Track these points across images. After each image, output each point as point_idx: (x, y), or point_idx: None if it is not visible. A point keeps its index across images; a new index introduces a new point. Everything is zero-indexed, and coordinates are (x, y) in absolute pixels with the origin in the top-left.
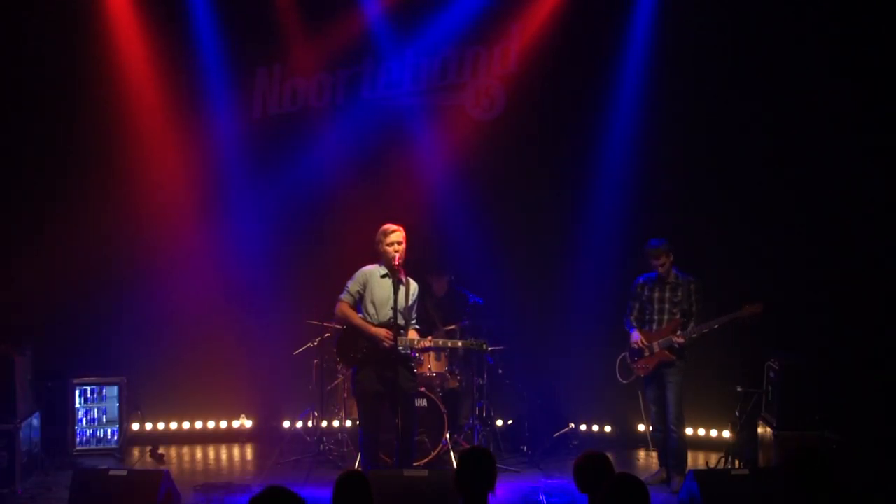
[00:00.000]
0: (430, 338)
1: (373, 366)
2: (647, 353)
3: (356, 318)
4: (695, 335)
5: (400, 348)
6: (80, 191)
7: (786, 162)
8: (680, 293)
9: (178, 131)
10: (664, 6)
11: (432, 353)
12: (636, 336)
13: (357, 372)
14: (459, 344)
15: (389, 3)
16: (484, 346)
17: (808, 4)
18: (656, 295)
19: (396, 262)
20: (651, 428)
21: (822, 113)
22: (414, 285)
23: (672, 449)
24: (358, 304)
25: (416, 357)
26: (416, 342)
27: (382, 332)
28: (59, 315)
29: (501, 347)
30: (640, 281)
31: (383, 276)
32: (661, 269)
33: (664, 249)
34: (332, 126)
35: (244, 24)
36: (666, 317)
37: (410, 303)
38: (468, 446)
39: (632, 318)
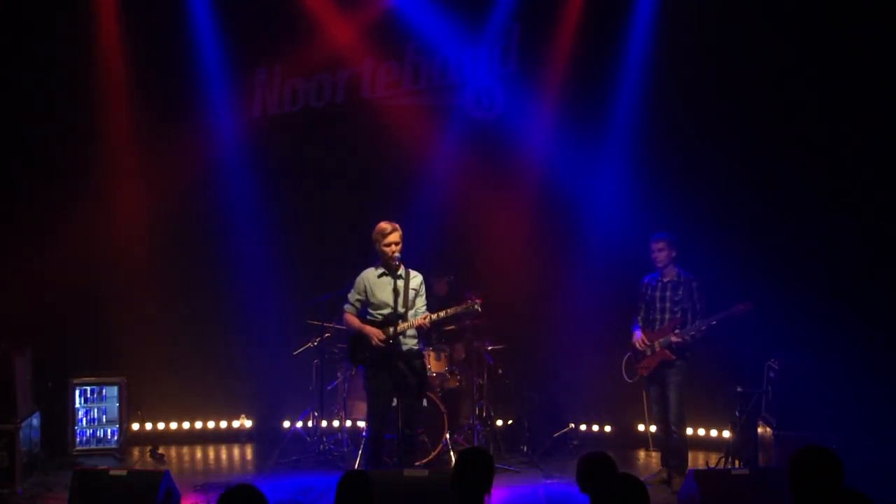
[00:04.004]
0: (426, 314)
1: (383, 364)
2: (648, 353)
3: (357, 323)
4: (693, 333)
5: (400, 336)
6: (79, 192)
7: (786, 160)
8: (681, 291)
9: (178, 132)
10: (666, 8)
11: (432, 354)
12: (637, 335)
13: (367, 368)
14: (451, 311)
15: (389, 3)
16: (475, 306)
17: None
18: (658, 294)
19: (393, 260)
20: (654, 427)
21: (819, 113)
22: (417, 277)
23: (673, 449)
24: (362, 310)
25: (424, 350)
26: (413, 321)
27: (375, 331)
28: (59, 315)
29: (501, 347)
30: (645, 280)
31: (381, 276)
32: (657, 255)
33: (664, 239)
34: (331, 126)
35: (244, 23)
36: (668, 316)
37: (413, 294)
38: (468, 446)
39: (639, 317)
